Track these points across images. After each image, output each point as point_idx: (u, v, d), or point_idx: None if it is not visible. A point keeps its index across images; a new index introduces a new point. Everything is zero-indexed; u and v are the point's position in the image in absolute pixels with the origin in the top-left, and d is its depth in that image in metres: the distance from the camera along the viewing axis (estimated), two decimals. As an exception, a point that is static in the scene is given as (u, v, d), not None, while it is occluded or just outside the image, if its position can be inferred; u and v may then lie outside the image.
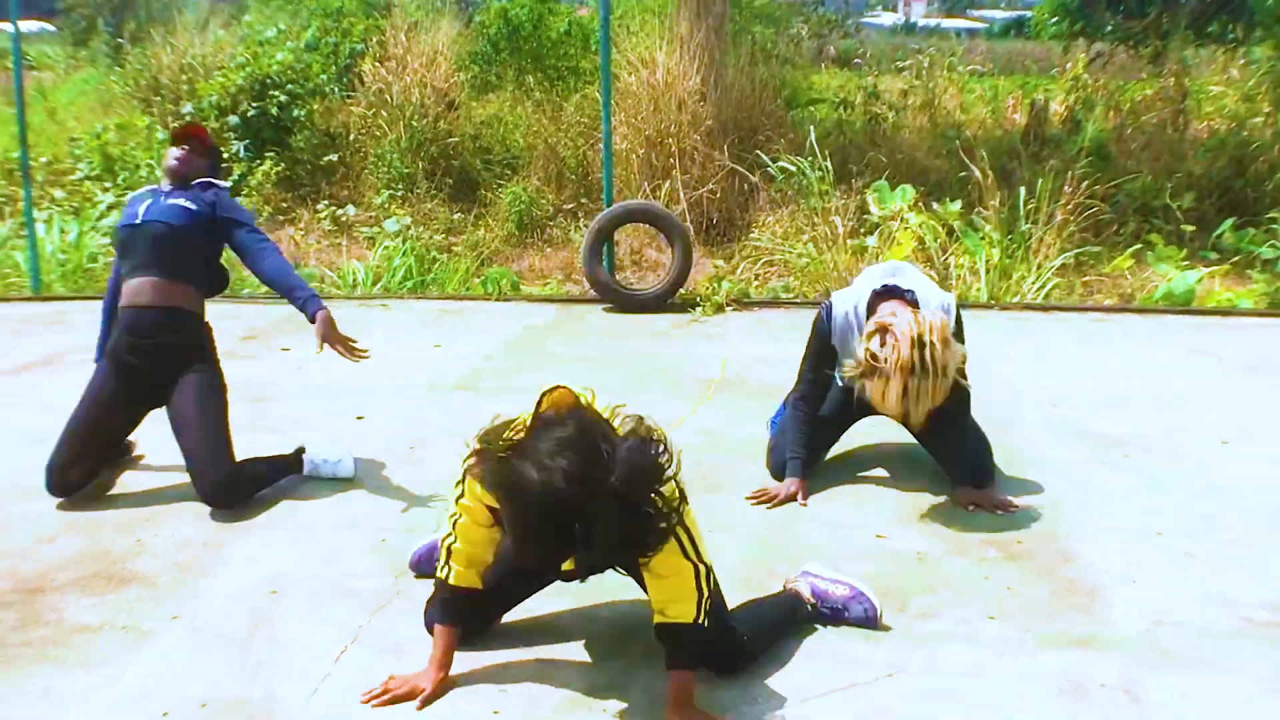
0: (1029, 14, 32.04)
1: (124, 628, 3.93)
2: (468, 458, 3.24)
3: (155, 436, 5.17)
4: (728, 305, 8.41)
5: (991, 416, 5.28)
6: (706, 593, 3.27)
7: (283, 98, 11.80)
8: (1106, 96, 13.80)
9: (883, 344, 4.32)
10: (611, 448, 2.88)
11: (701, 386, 6.49)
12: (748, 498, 4.92)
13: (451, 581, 3.47)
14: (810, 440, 5.01)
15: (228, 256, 5.25)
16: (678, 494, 3.12)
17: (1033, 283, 8.71)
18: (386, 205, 11.12)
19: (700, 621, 3.26)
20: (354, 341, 4.93)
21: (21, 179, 9.23)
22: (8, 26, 25.24)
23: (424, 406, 6.15)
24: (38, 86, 16.26)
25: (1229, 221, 9.60)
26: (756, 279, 9.44)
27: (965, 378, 4.66)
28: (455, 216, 11.15)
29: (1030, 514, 4.76)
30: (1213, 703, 3.42)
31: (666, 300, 8.40)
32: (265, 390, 6.43)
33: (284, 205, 11.44)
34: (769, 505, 4.86)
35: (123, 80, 13.73)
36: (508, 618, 3.86)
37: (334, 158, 11.94)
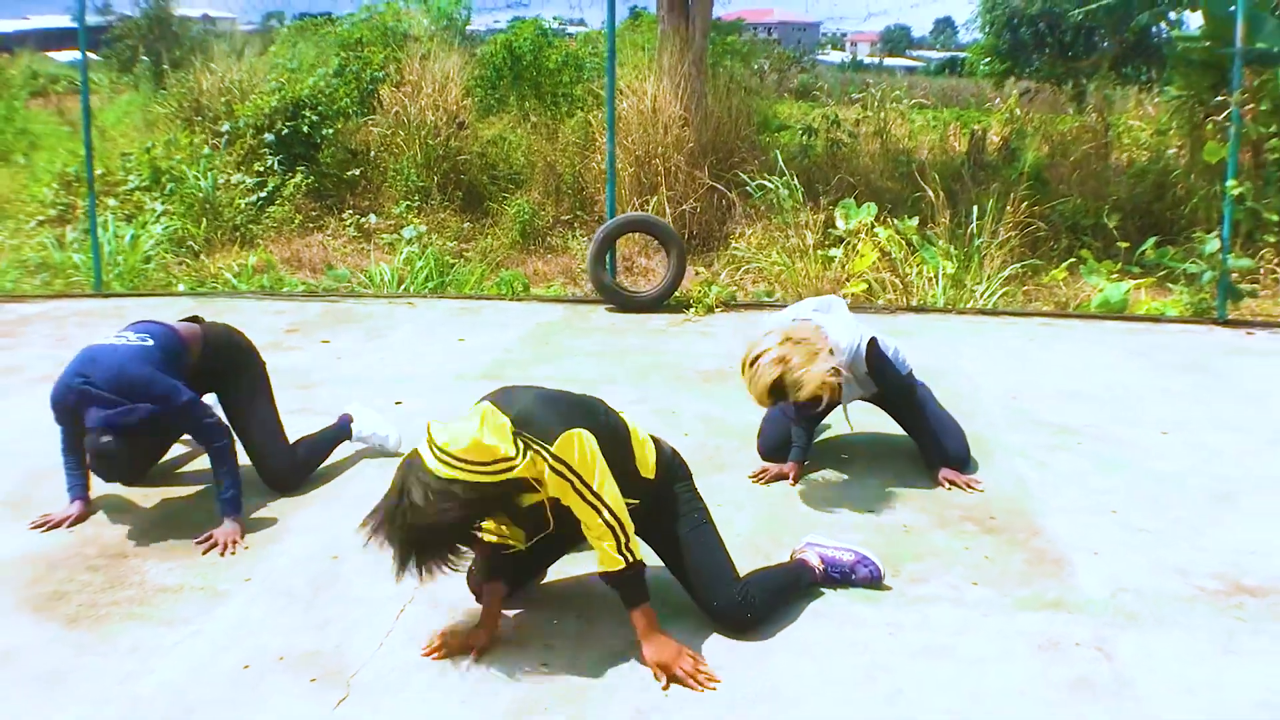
0: (962, 54, 32.37)
1: (201, 588, 3.92)
2: None
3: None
4: (717, 307, 8.42)
5: (960, 408, 5.31)
6: (619, 531, 3.30)
7: (312, 118, 11.75)
8: (1037, 128, 13.94)
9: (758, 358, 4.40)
10: None
11: (696, 379, 6.49)
12: (750, 476, 4.93)
13: (483, 539, 3.50)
14: (800, 434, 5.04)
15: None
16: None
17: (984, 290, 8.75)
18: (404, 214, 11.10)
19: (628, 564, 3.32)
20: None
21: (87, 190, 9.14)
22: (56, 55, 25.29)
23: (454, 393, 6.11)
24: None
25: (1151, 240, 9.65)
26: (736, 285, 9.44)
27: (911, 379, 4.92)
28: (465, 225, 11.13)
29: (1000, 492, 4.78)
30: (1174, 659, 3.45)
31: (662, 302, 8.40)
32: (310, 378, 6.39)
33: (313, 214, 11.41)
34: (764, 481, 4.89)
35: (166, 102, 13.64)
36: (547, 582, 3.87)
37: (357, 172, 11.91)
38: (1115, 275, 9.20)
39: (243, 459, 4.82)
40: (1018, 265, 9.07)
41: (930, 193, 9.85)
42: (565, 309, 8.50)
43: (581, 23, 16.01)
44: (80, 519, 4.46)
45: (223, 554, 4.18)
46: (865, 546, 3.96)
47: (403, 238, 10.35)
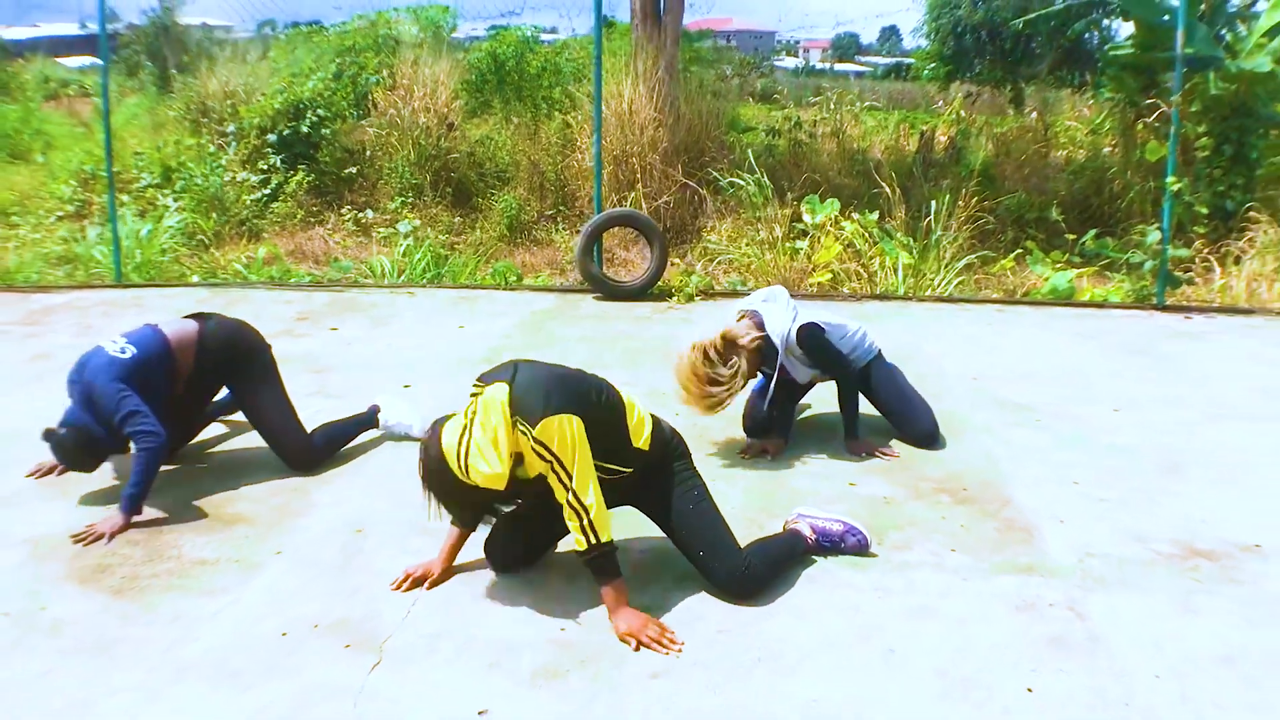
0: (908, 60, 32.38)
1: (236, 561, 3.88)
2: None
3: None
4: (696, 296, 8.40)
5: (927, 389, 5.31)
6: (584, 514, 3.34)
7: (312, 119, 11.65)
8: (980, 129, 13.99)
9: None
10: None
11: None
12: (740, 453, 4.94)
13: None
14: (780, 413, 5.06)
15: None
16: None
17: (941, 279, 8.77)
18: (399, 210, 11.00)
19: (590, 546, 3.36)
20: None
21: (105, 187, 9.03)
22: (68, 61, 24.94)
23: (458, 376, 6.05)
24: (95, 111, 15.96)
25: (1092, 232, 9.70)
26: (709, 276, 9.42)
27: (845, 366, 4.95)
28: (456, 220, 11.05)
29: (971, 466, 4.80)
30: (1139, 617, 3.48)
31: (646, 291, 8.38)
32: (321, 363, 6.34)
33: (314, 209, 11.30)
34: (750, 457, 4.91)
35: (174, 104, 13.48)
36: (560, 552, 3.87)
37: (354, 170, 11.80)
38: (1060, 265, 9.25)
39: (260, 443, 4.81)
40: (973, 257, 9.10)
41: (887, 189, 9.87)
42: (556, 298, 8.47)
43: (554, 30, 15.90)
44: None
45: (87, 544, 4.02)
46: (852, 517, 3.97)
47: (398, 232, 10.28)
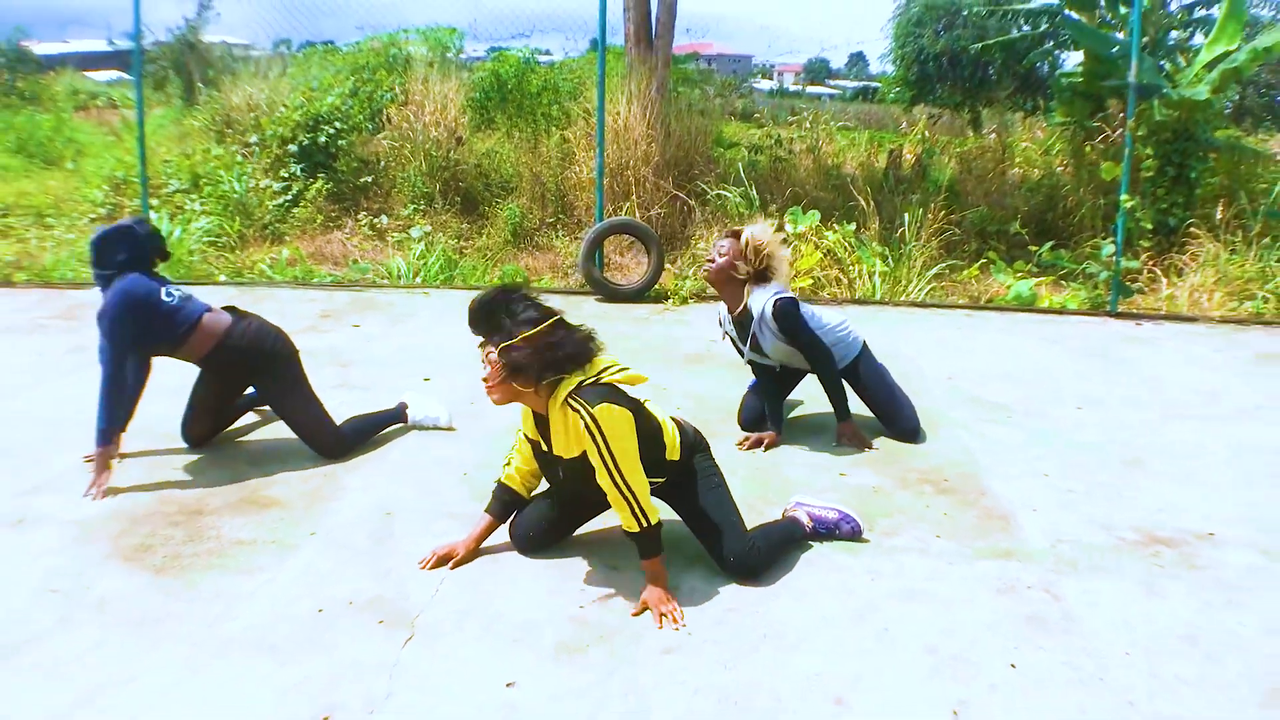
0: (875, 84, 32.47)
1: (272, 542, 3.83)
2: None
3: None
4: (690, 298, 8.38)
5: (907, 387, 5.28)
6: (634, 500, 3.32)
7: (330, 131, 11.56)
8: (943, 148, 14.01)
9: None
10: None
11: (680, 360, 6.46)
12: (738, 444, 4.91)
13: (503, 480, 3.71)
14: (771, 407, 5.03)
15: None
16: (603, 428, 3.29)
17: (915, 286, 8.77)
18: (411, 216, 10.92)
19: (642, 526, 3.35)
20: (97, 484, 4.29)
21: (137, 191, 8.95)
22: (97, 75, 24.74)
23: (474, 371, 5.97)
24: (123, 121, 15.83)
25: (1048, 245, 9.73)
26: (696, 278, 9.39)
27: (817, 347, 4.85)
28: (464, 226, 10.98)
29: (950, 459, 4.79)
30: (1110, 599, 3.48)
31: (644, 294, 8.35)
32: (345, 357, 6.28)
33: (333, 214, 11.19)
34: (747, 448, 4.88)
35: (199, 116, 13.37)
36: (579, 533, 3.84)
37: (369, 179, 11.70)
38: (1021, 274, 9.27)
39: (291, 435, 4.75)
40: (943, 266, 9.09)
41: (862, 202, 9.87)
42: (560, 299, 8.39)
43: (549, 53, 15.79)
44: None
45: (99, 497, 4.19)
46: (845, 505, 3.95)
47: (411, 236, 10.21)
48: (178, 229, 9.70)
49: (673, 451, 3.60)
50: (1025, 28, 15.95)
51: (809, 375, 5.08)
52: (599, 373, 3.39)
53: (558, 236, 10.92)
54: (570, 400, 3.30)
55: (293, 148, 11.47)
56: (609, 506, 3.79)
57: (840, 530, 3.86)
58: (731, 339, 5.00)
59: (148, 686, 2.90)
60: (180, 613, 3.30)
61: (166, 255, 4.63)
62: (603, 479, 3.31)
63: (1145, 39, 10.47)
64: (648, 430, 3.48)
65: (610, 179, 10.79)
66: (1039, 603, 3.44)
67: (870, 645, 3.16)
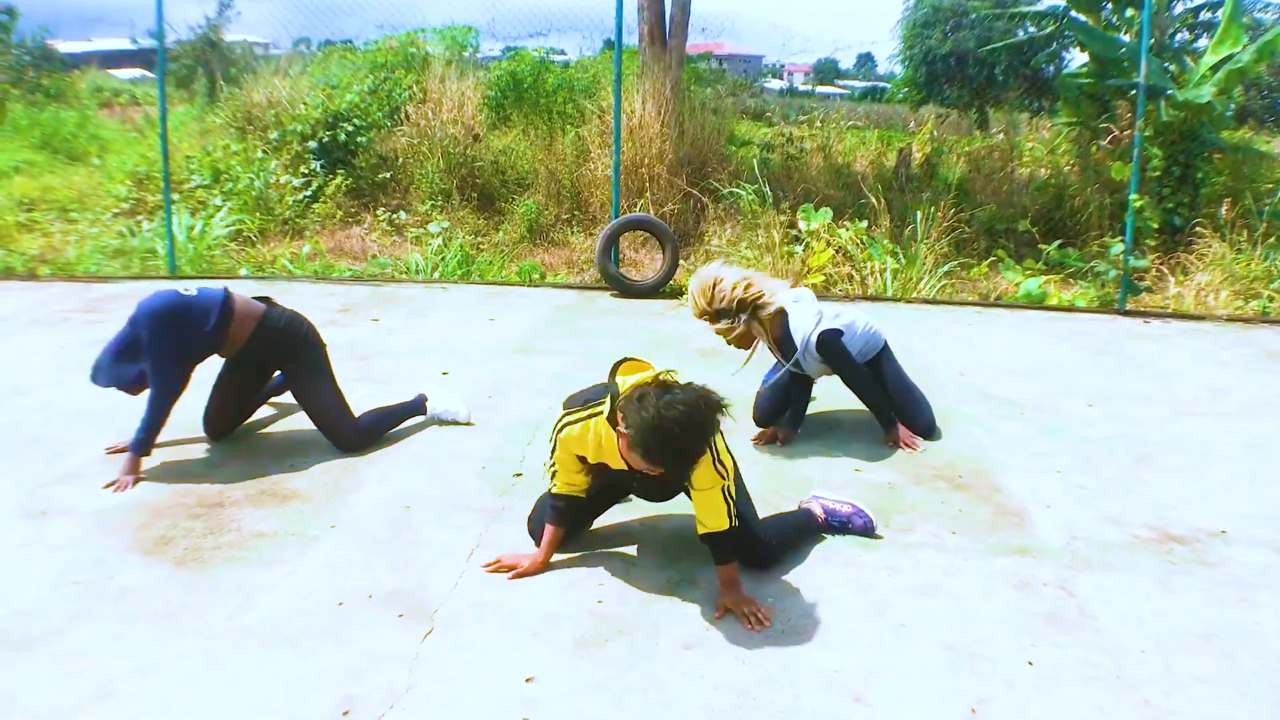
0: (883, 84, 32.32)
1: (293, 534, 3.78)
2: (560, 425, 3.39)
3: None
4: (702, 294, 8.30)
5: (919, 382, 5.20)
6: (731, 503, 3.28)
7: (350, 128, 11.51)
8: (951, 147, 13.91)
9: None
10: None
11: (694, 355, 6.40)
12: (753, 440, 4.84)
13: (557, 490, 3.47)
14: (794, 405, 4.96)
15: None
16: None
17: (925, 283, 8.68)
18: (429, 212, 10.87)
19: (731, 527, 3.29)
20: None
21: (159, 186, 8.93)
22: (119, 73, 24.73)
23: (492, 365, 5.98)
24: (146, 118, 15.83)
25: (1056, 243, 9.64)
26: (713, 276, 9.31)
27: (855, 370, 4.79)
28: (481, 222, 10.94)
29: (964, 455, 4.72)
30: (1124, 596, 3.42)
31: (659, 289, 8.28)
32: (365, 351, 6.22)
33: (352, 210, 11.16)
34: (762, 444, 4.82)
35: (221, 113, 13.35)
36: (596, 526, 3.79)
37: (388, 175, 11.66)
38: (1030, 272, 9.18)
39: (310, 424, 4.70)
40: (954, 264, 9.01)
41: (873, 200, 9.79)
42: (576, 294, 8.36)
43: (563, 52, 15.71)
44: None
45: (117, 491, 4.13)
46: (859, 501, 3.89)
47: (429, 232, 10.17)
48: (199, 224, 9.65)
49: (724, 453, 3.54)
50: (1031, 29, 15.86)
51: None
52: None
53: (573, 232, 10.87)
54: None
55: (312, 144, 11.43)
56: (625, 499, 3.75)
57: (853, 524, 3.80)
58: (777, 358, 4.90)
59: (167, 678, 2.85)
60: (200, 605, 3.25)
61: None
62: (710, 480, 3.25)
63: (1151, 41, 10.38)
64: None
65: (625, 176, 10.73)
66: (1055, 599, 3.38)
67: (888, 641, 3.10)
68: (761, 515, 3.67)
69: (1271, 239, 8.95)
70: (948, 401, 5.43)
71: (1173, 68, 10.81)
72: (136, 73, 25.94)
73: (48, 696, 2.76)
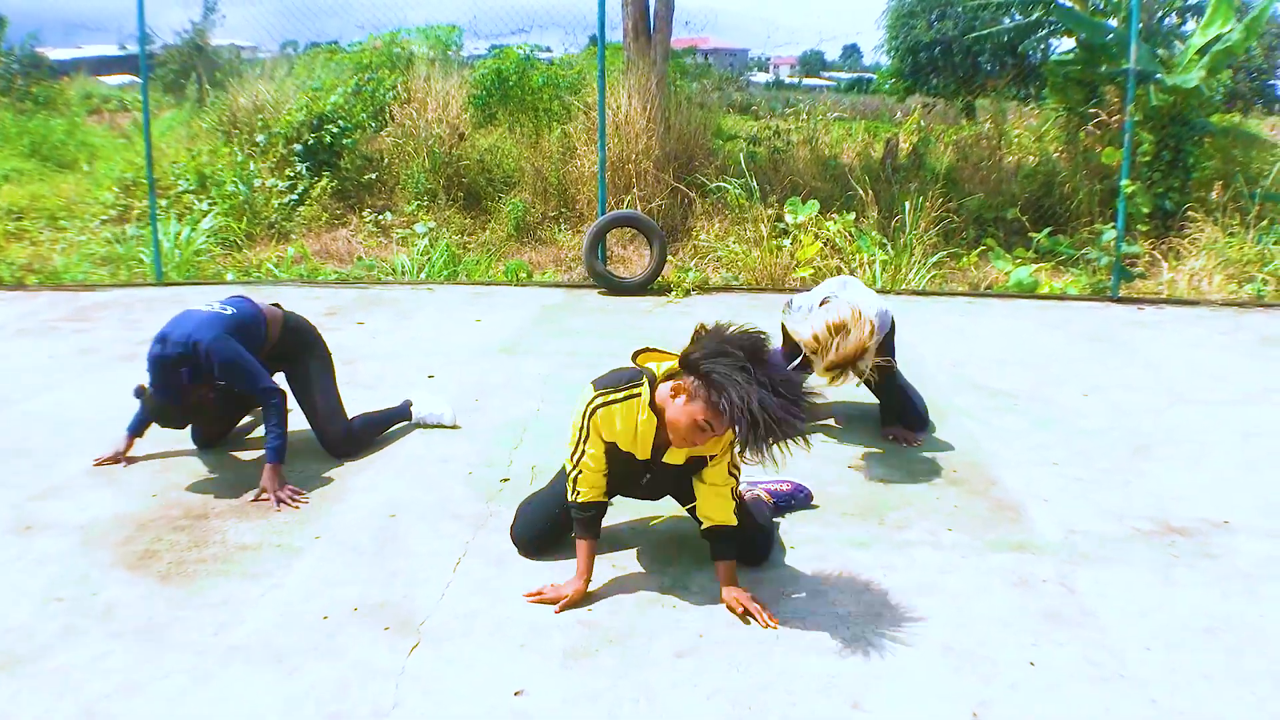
0: (869, 75, 32.22)
1: (278, 545, 3.69)
2: (594, 403, 3.19)
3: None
4: (693, 290, 8.22)
5: (910, 374, 5.13)
6: (736, 503, 3.27)
7: (334, 130, 11.39)
8: (939, 136, 13.80)
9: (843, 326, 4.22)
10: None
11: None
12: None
13: (581, 500, 3.27)
14: None
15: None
16: None
17: (915, 274, 8.60)
18: (415, 212, 10.77)
19: (735, 523, 3.25)
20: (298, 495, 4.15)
21: (146, 192, 8.82)
22: (109, 79, 24.59)
23: (479, 366, 5.89)
24: (134, 124, 15.68)
25: (1046, 231, 9.57)
26: (701, 271, 9.23)
27: (891, 358, 4.64)
28: (468, 221, 10.83)
29: (958, 448, 4.65)
30: (1125, 591, 3.35)
31: (647, 286, 8.18)
32: (351, 355, 6.10)
33: (338, 212, 11.05)
34: None
35: (207, 117, 13.22)
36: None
37: (373, 176, 11.55)
38: (1020, 261, 9.11)
39: (305, 426, 4.61)
40: (943, 254, 8.92)
41: (860, 191, 9.70)
42: (564, 293, 8.25)
43: (549, 50, 15.60)
44: (125, 448, 4.39)
45: (278, 507, 4.01)
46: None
47: (415, 233, 10.07)
48: (186, 229, 9.54)
49: None
50: (1017, 16, 15.76)
51: None
52: None
53: (560, 230, 10.78)
54: None
55: (298, 147, 11.31)
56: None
57: (796, 499, 3.85)
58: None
59: (154, 697, 2.76)
60: (186, 621, 3.16)
61: None
62: (723, 480, 3.22)
63: (1140, 25, 10.30)
64: None
65: (612, 172, 10.63)
66: (1054, 596, 3.30)
67: (886, 643, 3.02)
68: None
69: (1264, 221, 8.89)
70: (940, 394, 5.35)
71: (1162, 52, 10.74)
72: (125, 79, 25.78)
73: (33, 718, 2.67)
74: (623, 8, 11.44)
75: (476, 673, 2.87)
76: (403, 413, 4.88)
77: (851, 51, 45.17)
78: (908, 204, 9.07)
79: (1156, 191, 9.61)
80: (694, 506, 3.40)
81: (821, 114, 14.39)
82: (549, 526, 3.56)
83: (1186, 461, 4.52)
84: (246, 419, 4.95)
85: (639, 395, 3.16)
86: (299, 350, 4.56)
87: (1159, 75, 9.79)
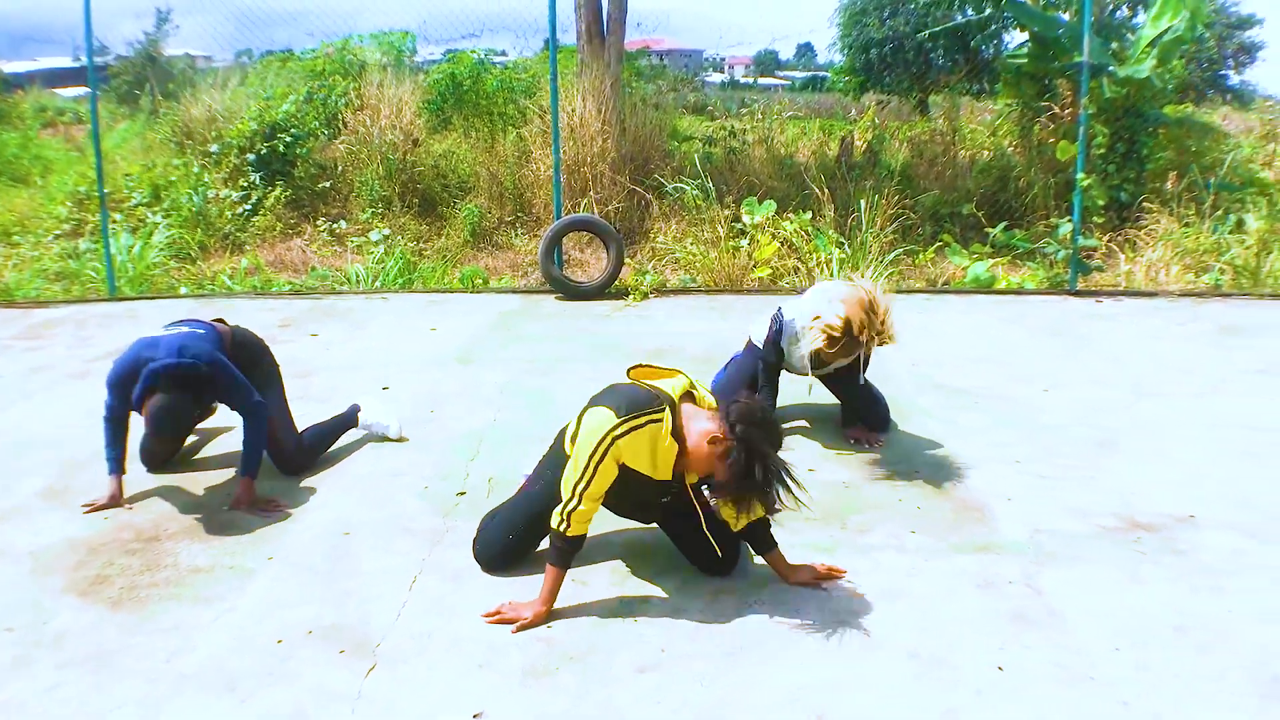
0: (824, 74, 32.30)
1: (231, 567, 3.58)
2: (617, 430, 3.09)
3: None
4: (651, 293, 8.14)
5: (871, 373, 5.07)
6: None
7: (287, 139, 11.22)
8: (893, 134, 13.83)
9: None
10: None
11: (643, 356, 6.21)
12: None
13: (570, 533, 3.14)
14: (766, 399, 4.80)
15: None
16: None
17: (872, 271, 8.58)
18: (370, 220, 10.64)
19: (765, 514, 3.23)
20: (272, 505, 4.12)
21: (98, 206, 8.62)
22: (64, 92, 24.18)
23: (433, 376, 5.77)
24: (88, 137, 15.34)
25: (1001, 225, 9.60)
26: (658, 274, 9.16)
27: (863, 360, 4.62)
28: (423, 228, 10.70)
29: (920, 449, 4.61)
30: (1092, 590, 3.32)
31: (604, 290, 8.09)
32: (304, 367, 5.97)
33: (292, 221, 10.86)
34: None
35: (160, 128, 12.99)
36: (543, 547, 3.60)
37: (327, 184, 11.38)
38: (977, 256, 9.12)
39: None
40: (899, 251, 8.90)
41: (816, 190, 9.67)
42: (520, 299, 8.14)
43: (504, 53, 15.49)
44: (119, 492, 4.11)
45: (264, 515, 4.00)
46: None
47: (370, 240, 9.93)
48: (139, 243, 9.34)
49: None
50: (969, 12, 15.85)
51: None
52: None
53: (517, 235, 10.68)
54: None
55: (251, 156, 11.12)
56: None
57: None
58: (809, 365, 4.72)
59: (104, 731, 2.66)
60: (138, 647, 3.05)
61: None
62: None
63: (1092, 19, 10.38)
64: None
65: (567, 175, 10.54)
66: (1021, 598, 3.26)
67: (851, 652, 2.96)
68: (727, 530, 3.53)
69: (1219, 211, 8.95)
70: (901, 393, 5.31)
71: (1114, 44, 10.81)
72: (81, 91, 25.35)
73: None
74: (576, 10, 11.36)
75: (434, 694, 2.79)
76: (350, 418, 4.78)
77: (806, 50, 45.27)
78: (864, 202, 9.02)
79: (1112, 184, 9.67)
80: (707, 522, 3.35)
81: (776, 113, 14.39)
82: (512, 545, 3.48)
83: (1150, 455, 4.50)
84: (192, 438, 4.83)
85: (661, 421, 3.11)
86: (247, 365, 4.41)
87: (1111, 68, 9.85)
